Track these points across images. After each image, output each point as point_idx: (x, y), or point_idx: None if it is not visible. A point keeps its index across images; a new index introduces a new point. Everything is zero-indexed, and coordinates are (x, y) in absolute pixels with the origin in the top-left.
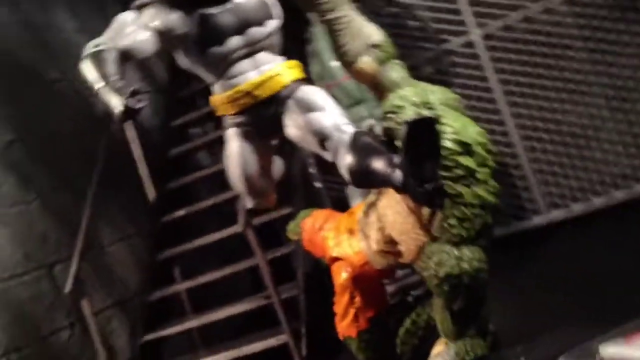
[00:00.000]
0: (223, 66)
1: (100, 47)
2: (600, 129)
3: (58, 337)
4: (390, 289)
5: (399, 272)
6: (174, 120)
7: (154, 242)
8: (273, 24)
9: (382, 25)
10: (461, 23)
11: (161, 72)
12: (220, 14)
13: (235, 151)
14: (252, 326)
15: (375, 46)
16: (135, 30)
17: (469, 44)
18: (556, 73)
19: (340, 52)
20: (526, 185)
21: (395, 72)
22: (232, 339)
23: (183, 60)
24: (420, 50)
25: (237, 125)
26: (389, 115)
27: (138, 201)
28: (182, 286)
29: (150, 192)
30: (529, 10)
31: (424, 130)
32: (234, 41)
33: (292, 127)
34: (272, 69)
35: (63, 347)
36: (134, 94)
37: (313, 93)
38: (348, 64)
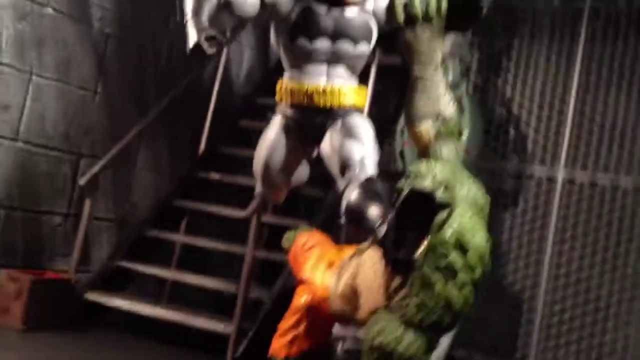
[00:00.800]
0: (302, 60)
1: None
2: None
3: (49, 218)
4: (347, 345)
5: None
6: (260, 98)
7: (178, 189)
8: (363, 49)
9: (485, 117)
10: (554, 156)
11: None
12: (324, 16)
13: (271, 137)
14: (221, 306)
15: (442, 118)
16: None
17: (550, 179)
18: (611, 249)
19: (408, 108)
20: (529, 330)
21: (447, 149)
22: (192, 307)
23: (274, 38)
24: (505, 160)
25: (285, 116)
26: (408, 176)
27: (189, 148)
28: (178, 238)
29: (203, 146)
30: (620, 180)
31: (424, 205)
32: (323, 44)
33: (328, 143)
34: (341, 85)
35: (48, 229)
36: (209, 38)
37: (361, 124)
38: (410, 122)
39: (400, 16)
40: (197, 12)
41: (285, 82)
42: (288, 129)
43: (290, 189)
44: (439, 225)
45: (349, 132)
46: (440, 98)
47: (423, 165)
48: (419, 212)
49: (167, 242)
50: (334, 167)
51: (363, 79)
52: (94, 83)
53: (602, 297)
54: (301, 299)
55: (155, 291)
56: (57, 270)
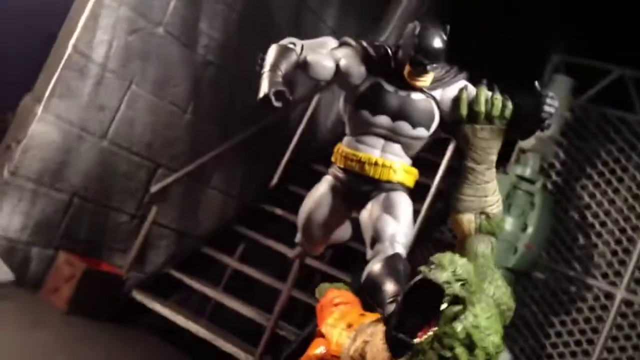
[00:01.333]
0: (361, 129)
1: (292, 47)
2: None
3: (116, 215)
4: None
5: None
6: None
7: (242, 215)
8: (421, 133)
9: (557, 218)
10: (618, 274)
11: None
12: (391, 94)
13: (318, 193)
14: (256, 336)
15: (486, 215)
16: (326, 54)
17: (608, 295)
18: None
19: (455, 195)
20: None
21: (484, 246)
22: (229, 330)
23: (341, 103)
24: (568, 264)
25: (335, 177)
26: (430, 262)
27: (261, 179)
28: (230, 261)
29: (276, 179)
30: None
31: (433, 295)
32: (383, 120)
33: (367, 212)
34: (392, 161)
35: (113, 225)
36: (278, 93)
37: (402, 202)
38: (455, 209)
39: (464, 110)
40: (274, 67)
41: (343, 147)
42: (336, 189)
43: (328, 245)
44: (450, 317)
45: (388, 207)
46: (487, 195)
47: (447, 258)
48: (430, 299)
49: (220, 262)
50: (366, 236)
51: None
52: (186, 103)
53: None
54: (315, 350)
55: (199, 306)
56: (112, 264)
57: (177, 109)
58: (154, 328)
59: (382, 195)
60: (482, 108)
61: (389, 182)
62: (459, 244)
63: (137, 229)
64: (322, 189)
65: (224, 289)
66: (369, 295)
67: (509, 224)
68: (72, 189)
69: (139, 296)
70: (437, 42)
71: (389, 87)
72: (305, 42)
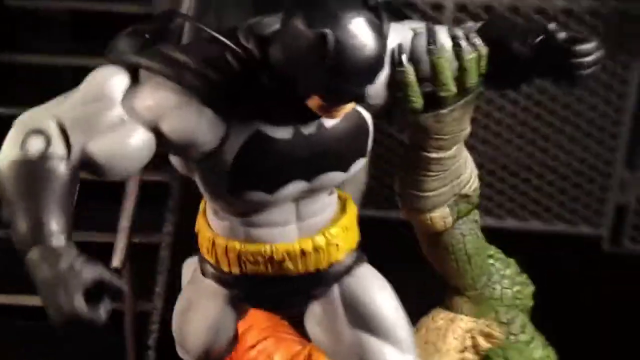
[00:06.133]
0: (255, 209)
1: (44, 153)
2: None
3: None
4: None
5: None
6: None
7: None
8: (359, 165)
9: None
10: None
11: None
12: (291, 143)
13: (207, 320)
14: None
15: (465, 197)
16: (120, 125)
17: None
18: None
19: (413, 193)
20: None
21: (471, 239)
22: None
23: (176, 162)
24: None
25: (226, 285)
26: None
27: None
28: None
29: None
30: None
31: None
32: (294, 187)
33: (322, 328)
34: (322, 229)
35: None
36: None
37: (376, 293)
38: (416, 209)
39: (418, 101)
40: (50, 233)
41: (222, 239)
42: (236, 299)
43: None
44: None
45: (363, 319)
46: (460, 174)
47: None
48: None
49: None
50: None
51: None
52: None
53: None
54: None
55: None
56: None
57: None
58: None
59: (335, 295)
60: (452, 88)
61: (330, 266)
62: (427, 240)
63: None
64: (212, 309)
65: None
66: None
67: None
68: None
69: None
70: (369, 48)
71: (283, 132)
72: (65, 116)
